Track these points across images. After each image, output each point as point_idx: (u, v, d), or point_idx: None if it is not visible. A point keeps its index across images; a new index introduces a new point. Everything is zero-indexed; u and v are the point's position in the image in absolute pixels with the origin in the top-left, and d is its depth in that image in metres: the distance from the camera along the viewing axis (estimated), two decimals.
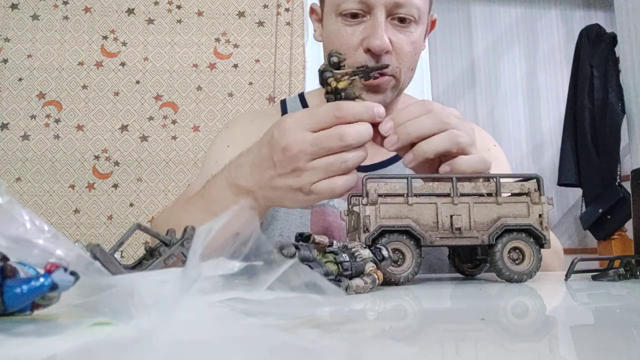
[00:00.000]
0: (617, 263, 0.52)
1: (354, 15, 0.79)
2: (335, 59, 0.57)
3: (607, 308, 0.37)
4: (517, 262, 0.51)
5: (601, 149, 2.68)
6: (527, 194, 0.52)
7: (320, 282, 0.27)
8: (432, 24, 0.91)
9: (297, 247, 0.40)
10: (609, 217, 2.63)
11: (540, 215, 0.51)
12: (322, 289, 0.27)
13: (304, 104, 0.97)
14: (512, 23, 3.63)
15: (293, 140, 0.55)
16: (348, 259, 0.42)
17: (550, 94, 3.60)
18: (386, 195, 0.51)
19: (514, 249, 0.51)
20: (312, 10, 0.93)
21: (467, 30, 3.59)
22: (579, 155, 2.76)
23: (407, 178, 0.51)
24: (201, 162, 1.79)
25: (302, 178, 0.56)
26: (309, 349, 0.23)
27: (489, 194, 0.52)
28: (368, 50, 0.78)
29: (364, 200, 0.50)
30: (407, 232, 0.50)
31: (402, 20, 0.79)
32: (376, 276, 0.43)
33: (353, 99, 0.56)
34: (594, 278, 0.51)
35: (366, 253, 0.44)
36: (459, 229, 0.50)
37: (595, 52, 2.78)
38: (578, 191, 2.92)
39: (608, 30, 2.85)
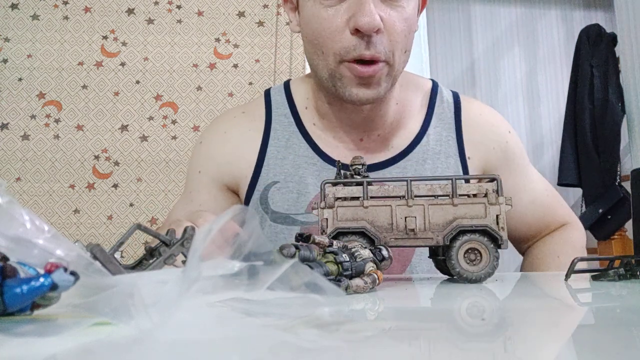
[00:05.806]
0: (617, 263, 0.52)
1: None
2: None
3: (607, 308, 0.37)
4: (474, 262, 0.51)
5: (601, 149, 2.67)
6: (484, 195, 0.52)
7: (320, 282, 0.27)
8: (424, 2, 0.81)
9: (297, 247, 0.40)
10: (609, 217, 2.63)
11: (497, 216, 0.51)
12: (322, 289, 0.27)
13: (289, 96, 0.89)
14: (512, 23, 3.63)
15: None
16: (348, 259, 0.42)
17: (550, 94, 3.60)
18: (344, 199, 0.52)
19: (471, 249, 0.51)
20: None
21: (467, 30, 3.58)
22: (579, 155, 2.76)
23: (363, 182, 0.52)
24: None
25: None
26: (309, 349, 0.23)
27: (446, 196, 0.52)
28: (357, 31, 0.68)
29: (322, 204, 0.51)
30: (362, 234, 0.51)
31: None
32: (376, 276, 0.43)
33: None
34: (594, 278, 0.51)
35: (366, 253, 0.44)
36: (412, 230, 0.51)
37: (595, 52, 2.77)
38: (578, 191, 2.92)
39: (608, 30, 2.85)
